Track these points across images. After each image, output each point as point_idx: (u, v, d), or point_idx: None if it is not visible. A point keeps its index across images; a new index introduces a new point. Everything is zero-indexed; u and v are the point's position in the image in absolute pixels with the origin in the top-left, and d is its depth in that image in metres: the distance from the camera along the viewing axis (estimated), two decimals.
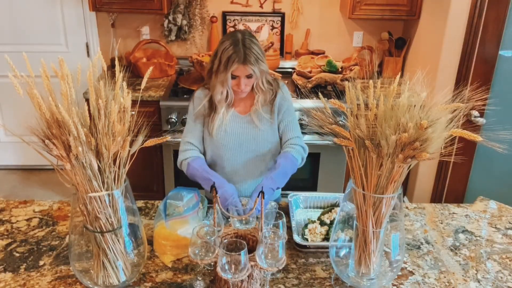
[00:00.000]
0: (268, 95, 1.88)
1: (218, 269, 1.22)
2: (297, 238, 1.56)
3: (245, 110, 1.91)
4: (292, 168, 1.82)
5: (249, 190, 1.91)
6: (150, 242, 1.55)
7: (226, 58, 1.73)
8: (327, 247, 1.54)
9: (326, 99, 1.34)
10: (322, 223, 1.68)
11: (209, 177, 1.75)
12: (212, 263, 1.33)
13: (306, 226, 1.67)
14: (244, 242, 1.24)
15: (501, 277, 1.48)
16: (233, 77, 1.77)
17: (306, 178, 3.18)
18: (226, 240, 1.28)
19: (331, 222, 1.68)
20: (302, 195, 1.82)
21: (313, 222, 1.69)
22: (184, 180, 3.23)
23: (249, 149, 1.91)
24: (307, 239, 1.60)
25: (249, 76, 1.78)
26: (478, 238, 1.68)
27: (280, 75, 2.92)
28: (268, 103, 1.89)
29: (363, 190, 1.23)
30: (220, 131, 1.87)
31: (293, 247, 1.57)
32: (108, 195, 1.22)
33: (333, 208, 1.77)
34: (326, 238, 1.61)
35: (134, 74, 3.35)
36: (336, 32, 3.58)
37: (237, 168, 1.91)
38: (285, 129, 1.92)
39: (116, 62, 1.24)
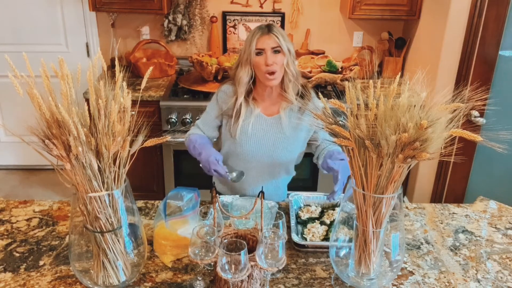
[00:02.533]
0: (296, 87, 1.84)
1: (218, 269, 1.22)
2: (295, 238, 1.56)
3: (271, 112, 1.89)
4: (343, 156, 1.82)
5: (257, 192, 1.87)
6: (150, 242, 1.55)
7: (250, 36, 1.75)
8: (325, 247, 1.55)
9: (326, 99, 1.34)
10: (322, 223, 1.68)
11: (198, 147, 1.82)
12: (212, 263, 1.33)
13: (305, 225, 1.67)
14: (244, 242, 1.24)
15: (501, 277, 1.48)
16: (259, 52, 1.74)
17: (306, 178, 3.18)
18: (226, 240, 1.28)
19: (331, 222, 1.68)
20: (304, 194, 1.82)
21: (313, 221, 1.69)
22: (184, 180, 3.26)
23: (266, 154, 1.90)
24: (306, 239, 1.60)
25: (276, 51, 1.74)
26: (478, 238, 1.68)
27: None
28: (300, 109, 1.86)
29: (363, 190, 1.23)
30: (243, 131, 1.85)
31: (292, 247, 1.57)
32: (108, 195, 1.22)
33: (334, 209, 1.77)
34: (326, 238, 1.61)
35: (134, 74, 3.36)
36: (336, 32, 3.58)
37: (250, 168, 1.91)
38: (319, 136, 1.92)
39: (116, 62, 1.24)
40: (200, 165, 1.82)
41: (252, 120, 1.85)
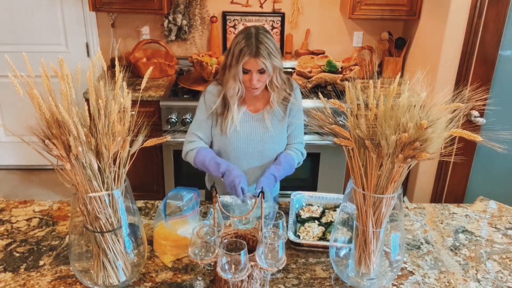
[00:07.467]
0: (282, 94, 1.86)
1: (218, 269, 1.22)
2: (291, 236, 1.56)
3: (256, 109, 1.91)
4: (290, 170, 1.91)
5: (251, 189, 1.91)
6: (150, 242, 1.55)
7: (238, 51, 1.73)
8: (320, 246, 1.54)
9: (326, 99, 1.34)
10: (321, 224, 1.68)
11: (218, 161, 1.81)
12: (212, 263, 1.33)
13: (303, 224, 1.67)
14: (244, 242, 1.24)
15: (501, 277, 1.48)
16: (245, 71, 1.75)
17: (306, 178, 3.18)
18: (226, 240, 1.28)
19: (327, 223, 1.68)
20: (307, 194, 1.82)
21: (313, 221, 1.69)
22: (184, 180, 3.27)
23: (256, 149, 1.92)
24: (299, 237, 1.60)
25: (261, 72, 1.76)
26: (478, 238, 1.68)
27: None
28: (281, 103, 1.88)
29: (363, 190, 1.23)
30: (231, 129, 1.88)
31: (291, 247, 1.57)
32: (108, 195, 1.22)
33: (335, 210, 1.77)
34: (322, 238, 1.61)
35: (134, 74, 3.35)
36: (336, 32, 3.58)
37: (241, 166, 1.92)
38: (292, 133, 1.96)
39: (116, 62, 1.24)
40: (222, 178, 1.80)
41: (240, 117, 1.88)
